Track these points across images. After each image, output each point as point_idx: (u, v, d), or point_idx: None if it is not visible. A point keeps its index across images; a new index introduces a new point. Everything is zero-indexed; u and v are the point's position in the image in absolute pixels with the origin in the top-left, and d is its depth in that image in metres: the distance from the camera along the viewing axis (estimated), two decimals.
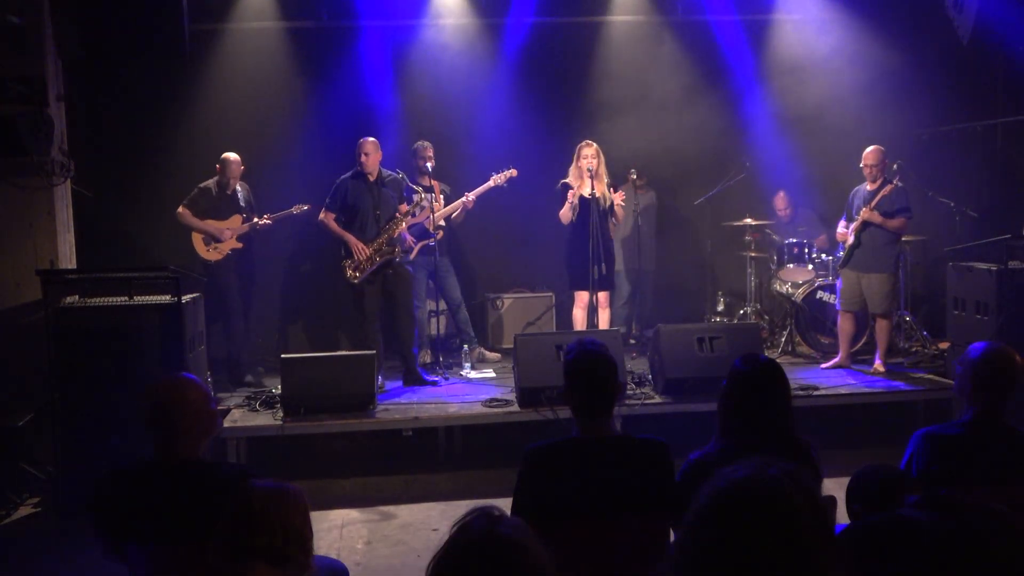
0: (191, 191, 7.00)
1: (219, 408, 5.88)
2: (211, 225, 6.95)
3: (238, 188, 7.07)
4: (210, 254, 6.97)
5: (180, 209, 6.93)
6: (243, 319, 7.21)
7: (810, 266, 7.71)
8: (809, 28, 8.31)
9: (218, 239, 6.95)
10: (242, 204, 7.07)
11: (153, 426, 2.81)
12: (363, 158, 6.57)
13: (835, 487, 2.76)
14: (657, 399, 6.04)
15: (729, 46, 8.36)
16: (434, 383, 6.68)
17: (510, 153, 7.60)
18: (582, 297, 6.94)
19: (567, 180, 6.93)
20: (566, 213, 6.84)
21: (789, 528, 1.37)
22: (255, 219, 7.08)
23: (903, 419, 6.07)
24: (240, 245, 7.04)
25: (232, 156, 6.97)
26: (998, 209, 8.14)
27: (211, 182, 7.02)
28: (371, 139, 6.69)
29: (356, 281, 6.54)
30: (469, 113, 8.18)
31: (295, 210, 7.20)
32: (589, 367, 2.88)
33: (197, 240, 6.97)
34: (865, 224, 6.70)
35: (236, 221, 7.03)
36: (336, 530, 5.02)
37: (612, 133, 7.84)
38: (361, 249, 6.52)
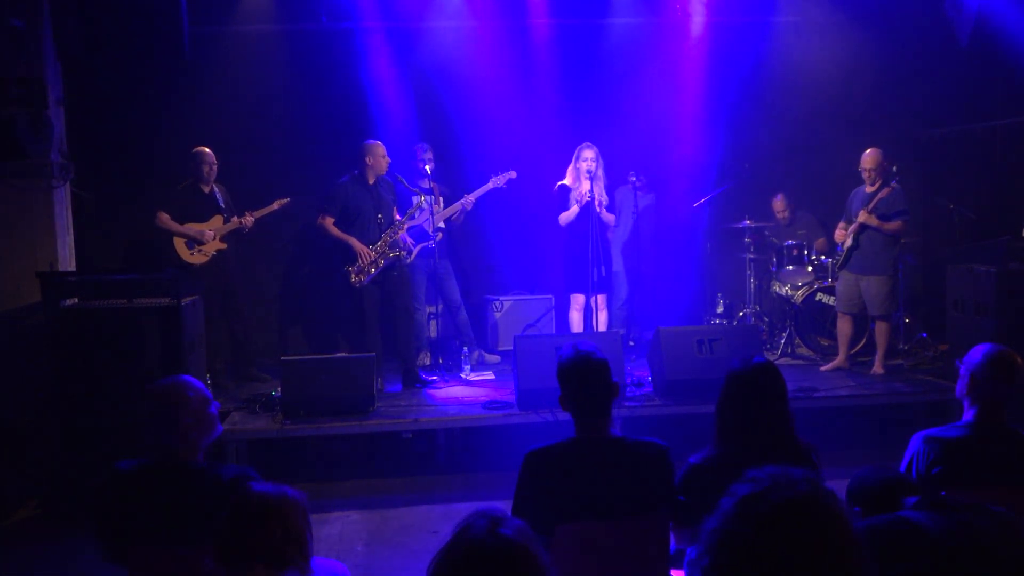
0: (168, 195, 6.84)
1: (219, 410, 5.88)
2: (192, 228, 6.78)
3: (216, 189, 6.94)
4: (194, 257, 6.78)
5: (159, 214, 6.73)
6: (241, 324, 7.15)
7: (809, 268, 7.71)
8: (809, 30, 8.31)
9: (200, 241, 6.81)
10: (221, 205, 6.94)
11: (153, 428, 2.81)
12: (382, 160, 6.57)
13: (835, 489, 2.75)
14: (657, 401, 6.03)
15: (728, 47, 8.36)
16: (432, 382, 6.69)
17: (509, 155, 7.61)
18: (578, 300, 6.93)
19: (564, 182, 6.92)
20: (571, 215, 6.81)
21: (833, 540, 1.36)
22: (239, 218, 6.93)
23: (903, 421, 6.06)
24: (224, 246, 6.90)
25: (204, 148, 6.83)
26: (997, 210, 8.13)
27: (186, 183, 6.87)
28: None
29: (359, 285, 6.54)
30: (468, 115, 8.18)
31: (276, 205, 7.06)
32: (581, 368, 2.91)
33: (179, 244, 6.79)
34: (863, 226, 6.70)
35: (217, 222, 6.89)
36: (336, 532, 5.02)
37: (612, 135, 7.84)
38: (366, 253, 6.52)
